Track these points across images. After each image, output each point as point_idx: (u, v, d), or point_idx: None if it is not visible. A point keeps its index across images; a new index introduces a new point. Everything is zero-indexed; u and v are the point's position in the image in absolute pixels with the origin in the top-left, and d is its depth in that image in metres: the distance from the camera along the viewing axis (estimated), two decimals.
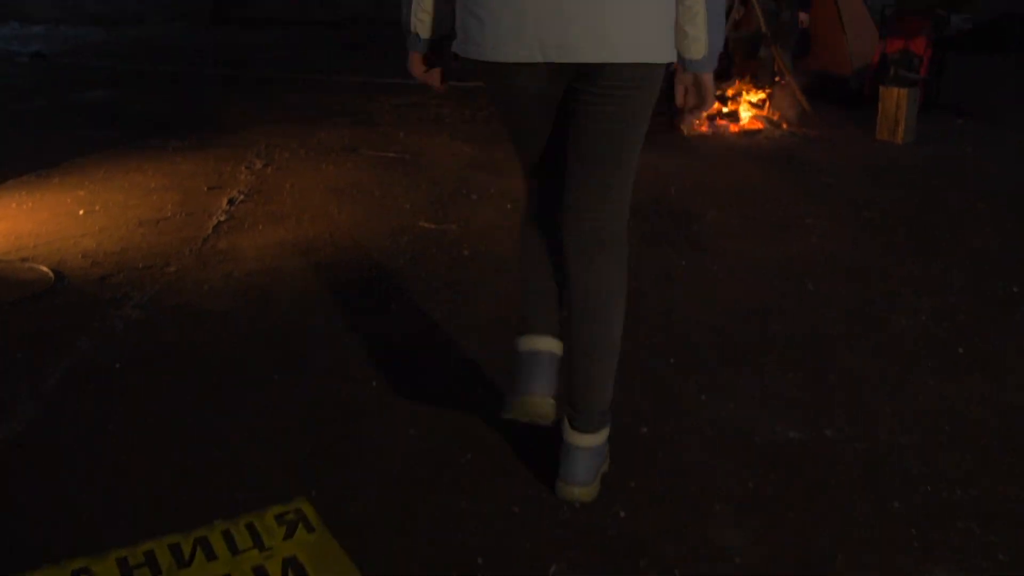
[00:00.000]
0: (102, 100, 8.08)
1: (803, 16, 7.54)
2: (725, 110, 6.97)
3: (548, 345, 2.30)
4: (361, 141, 6.28)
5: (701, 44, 2.01)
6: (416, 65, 2.32)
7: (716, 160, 6.01)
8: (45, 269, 3.80)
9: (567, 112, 2.12)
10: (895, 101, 6.46)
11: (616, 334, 2.21)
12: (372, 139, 6.37)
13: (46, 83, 8.90)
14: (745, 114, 6.95)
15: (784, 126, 6.84)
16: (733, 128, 6.87)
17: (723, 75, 7.08)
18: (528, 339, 2.30)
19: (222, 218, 4.58)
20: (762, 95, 7.04)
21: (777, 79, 7.09)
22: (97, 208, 4.71)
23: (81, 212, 4.62)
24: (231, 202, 4.84)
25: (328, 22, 14.22)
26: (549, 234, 2.28)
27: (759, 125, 6.88)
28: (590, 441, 2.25)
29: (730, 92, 7.03)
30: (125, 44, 12.09)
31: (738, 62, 7.07)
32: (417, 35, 2.26)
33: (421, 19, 2.23)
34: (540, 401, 2.23)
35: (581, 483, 2.25)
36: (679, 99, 2.14)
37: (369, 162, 5.72)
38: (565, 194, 2.17)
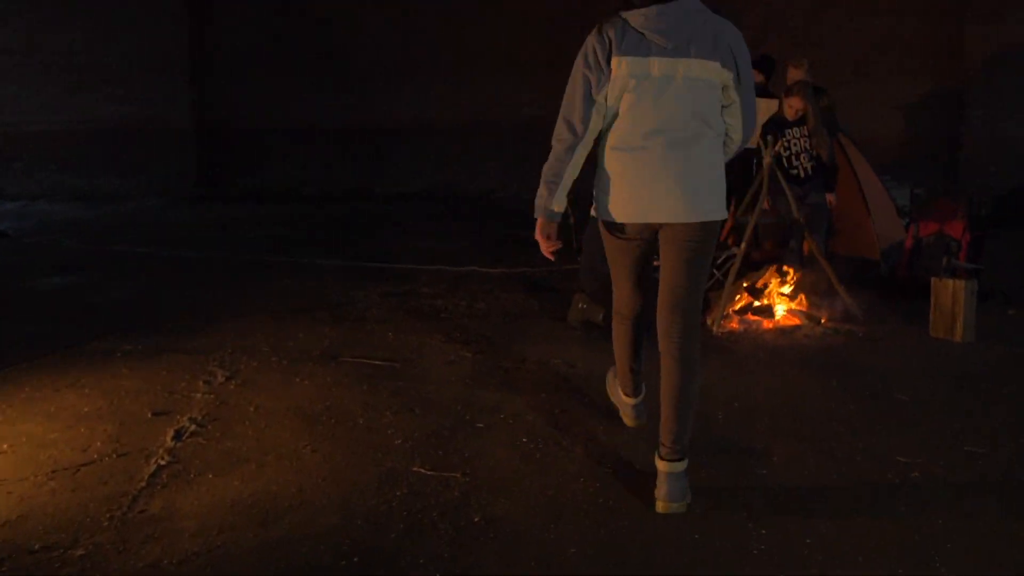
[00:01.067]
0: (58, 288, 7.18)
1: (831, 198, 6.84)
2: (757, 304, 6.12)
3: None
4: (343, 344, 5.35)
5: None
6: (552, 235, 3.26)
7: (758, 368, 5.09)
8: None
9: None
10: (951, 295, 5.64)
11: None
12: (356, 340, 5.44)
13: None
14: (779, 308, 6.10)
15: (824, 321, 5.98)
16: (767, 324, 6.01)
17: (752, 265, 6.29)
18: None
19: (163, 461, 3.57)
20: (792, 286, 6.23)
21: (805, 268, 6.31)
22: (5, 447, 3.69)
23: None
24: (178, 435, 3.84)
25: (318, 196, 13.63)
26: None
27: (795, 320, 6.03)
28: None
29: (759, 283, 6.22)
30: (101, 222, 11.36)
31: (768, 250, 6.30)
32: (556, 211, 3.23)
33: (562, 200, 3.22)
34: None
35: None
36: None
37: (352, 374, 4.76)
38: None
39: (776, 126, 6.71)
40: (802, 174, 6.77)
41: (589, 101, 3.11)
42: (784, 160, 6.75)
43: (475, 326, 5.90)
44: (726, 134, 3.30)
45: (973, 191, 7.09)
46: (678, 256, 3.18)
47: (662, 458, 3.20)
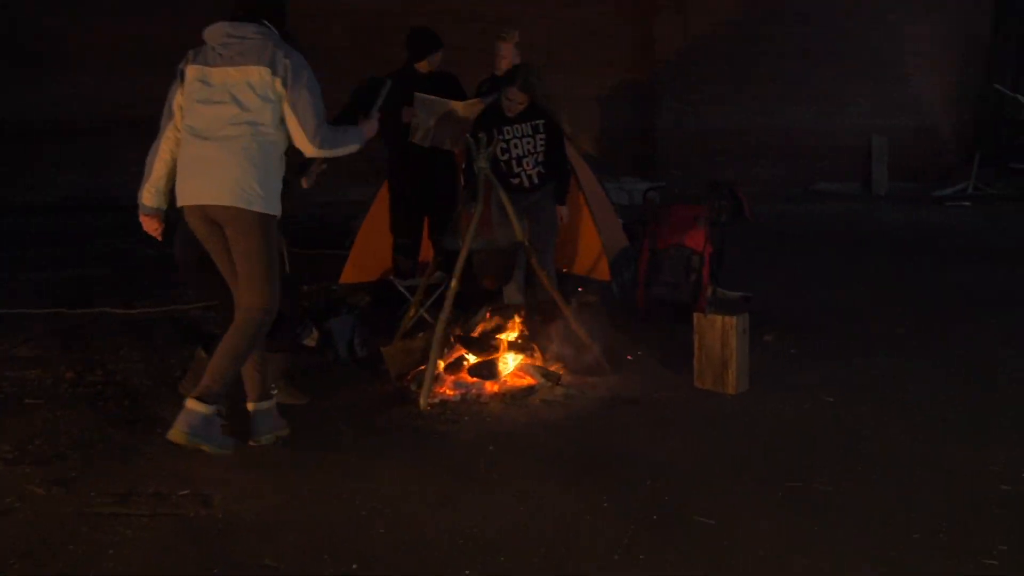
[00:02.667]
0: None
1: (562, 212, 5.34)
2: (472, 359, 4.46)
3: None
4: None
5: None
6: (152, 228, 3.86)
7: (488, 476, 3.43)
8: None
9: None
10: (720, 335, 4.30)
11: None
12: None
13: None
14: (506, 364, 4.48)
15: (563, 377, 4.44)
16: (490, 388, 4.36)
17: (464, 305, 4.63)
18: None
19: None
20: (519, 331, 4.64)
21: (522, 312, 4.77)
22: None
23: None
24: None
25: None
26: None
27: (527, 379, 4.43)
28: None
29: (477, 331, 4.57)
30: None
31: (487, 284, 4.66)
32: (146, 204, 3.79)
33: (155, 193, 3.78)
34: None
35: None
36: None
37: None
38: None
39: (491, 122, 5.11)
40: (527, 183, 5.22)
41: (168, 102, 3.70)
42: (502, 166, 5.17)
43: (71, 425, 3.77)
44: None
45: (715, 194, 5.86)
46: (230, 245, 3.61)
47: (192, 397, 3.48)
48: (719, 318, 4.30)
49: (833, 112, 14.10)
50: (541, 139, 5.17)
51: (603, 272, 6.23)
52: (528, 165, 5.18)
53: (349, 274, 6.38)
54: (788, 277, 7.05)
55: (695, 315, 4.40)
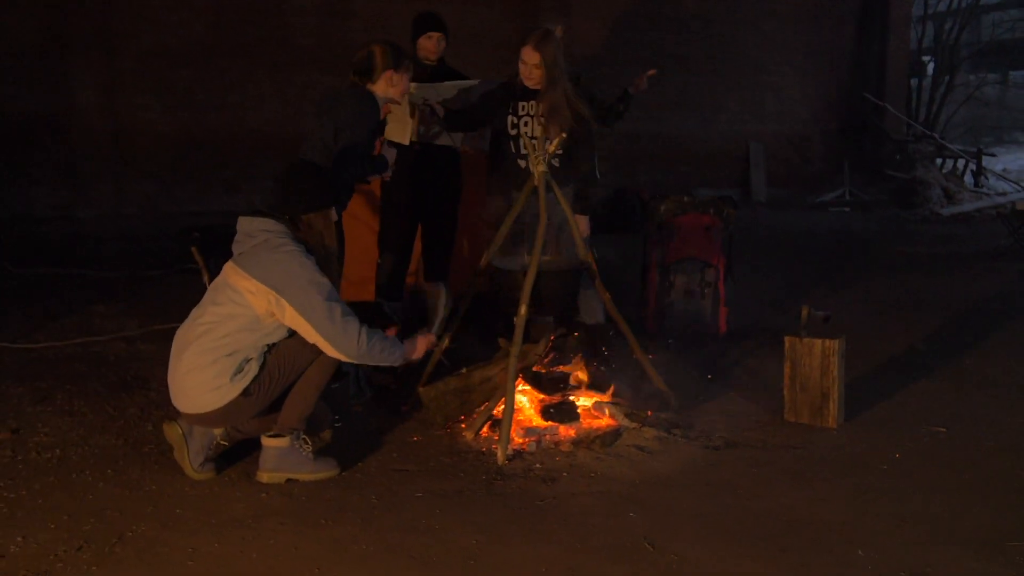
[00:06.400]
0: None
1: (583, 222, 4.57)
2: (548, 400, 3.70)
3: None
4: None
5: None
6: None
7: (650, 545, 2.70)
8: None
9: None
10: (819, 362, 3.75)
11: None
12: None
13: None
14: (583, 402, 3.75)
15: (647, 414, 3.75)
16: (565, 432, 3.62)
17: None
18: None
19: None
20: (586, 362, 3.91)
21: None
22: None
23: None
24: None
25: None
26: None
27: (606, 420, 3.72)
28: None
29: (544, 363, 3.80)
30: None
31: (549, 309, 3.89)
32: None
33: None
34: None
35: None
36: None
37: None
38: None
39: (508, 96, 4.32)
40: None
41: None
42: (510, 144, 4.32)
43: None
44: None
45: (722, 202, 5.33)
46: None
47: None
48: (818, 343, 3.75)
49: (711, 119, 14.11)
50: None
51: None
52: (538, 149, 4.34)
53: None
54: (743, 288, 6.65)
55: (787, 339, 3.83)
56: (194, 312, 3.26)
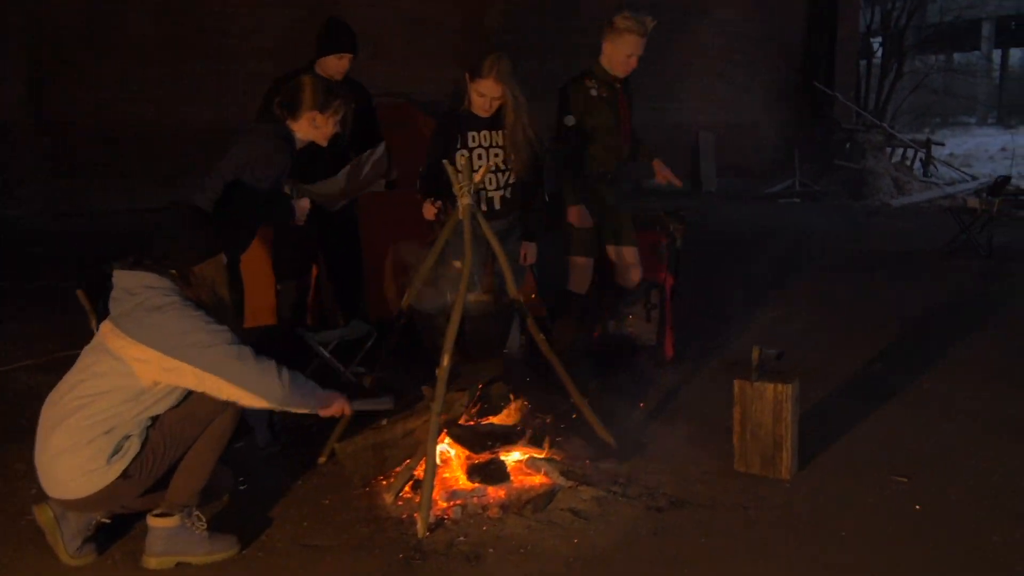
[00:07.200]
0: None
1: (529, 249, 4.20)
2: (475, 459, 3.32)
3: None
4: None
5: None
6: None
7: None
8: None
9: None
10: (772, 408, 3.43)
11: None
12: None
13: None
14: (516, 456, 3.38)
15: (585, 470, 3.40)
16: (495, 494, 3.25)
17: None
18: None
19: None
20: (517, 412, 3.54)
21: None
22: None
23: None
24: None
25: None
26: None
27: (541, 479, 3.35)
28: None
29: (467, 418, 3.41)
30: None
31: (473, 356, 3.49)
32: None
33: None
34: None
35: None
36: None
37: None
38: None
39: (456, 127, 3.99)
40: (485, 207, 4.07)
41: None
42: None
43: None
44: None
45: (670, 217, 4.98)
46: None
47: None
48: (770, 387, 3.42)
49: (661, 108, 13.80)
50: None
51: (536, 307, 5.22)
52: (492, 184, 4.05)
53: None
54: (693, 298, 6.33)
55: (736, 383, 3.49)
56: (69, 377, 2.81)
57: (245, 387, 2.71)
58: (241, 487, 3.33)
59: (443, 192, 3.79)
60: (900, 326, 5.67)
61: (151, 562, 2.83)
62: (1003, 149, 18.13)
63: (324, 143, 3.70)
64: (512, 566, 2.83)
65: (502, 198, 4.08)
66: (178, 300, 2.75)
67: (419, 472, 3.22)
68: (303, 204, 3.67)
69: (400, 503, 3.23)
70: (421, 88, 11.93)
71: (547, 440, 3.44)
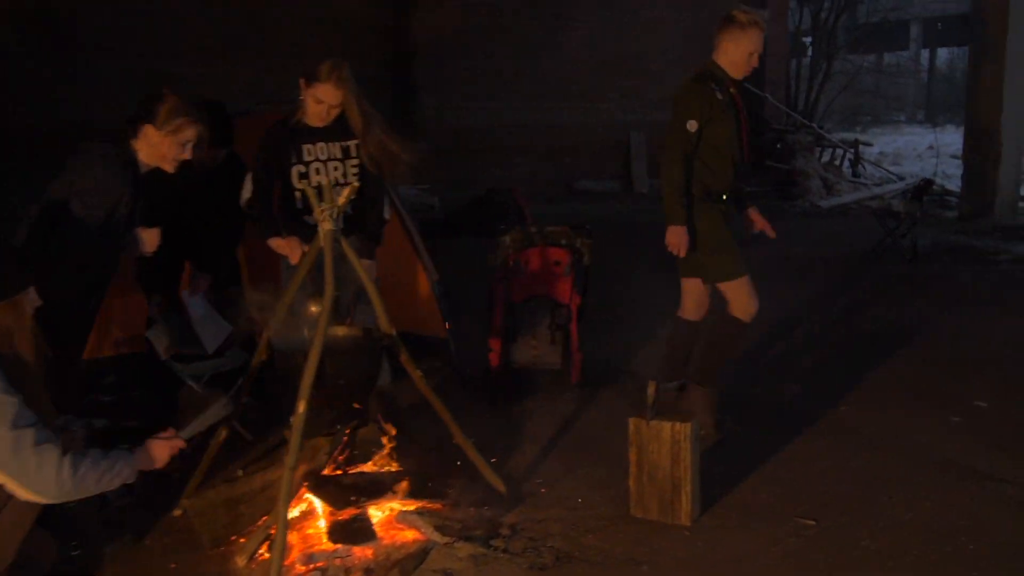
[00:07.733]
0: None
1: (370, 267, 3.76)
2: (325, 520, 2.95)
3: None
4: None
5: None
6: None
7: None
8: None
9: None
10: (670, 449, 3.12)
11: None
12: None
13: None
14: (377, 513, 3.02)
15: (462, 522, 3.05)
16: (361, 554, 2.87)
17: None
18: None
19: None
20: (386, 459, 3.19)
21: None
22: None
23: None
24: None
25: None
26: None
27: (414, 535, 2.98)
28: None
29: (332, 468, 3.05)
30: None
31: (341, 404, 3.12)
32: None
33: None
34: None
35: None
36: None
37: None
38: None
39: (288, 140, 3.61)
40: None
41: None
42: (296, 198, 3.65)
43: None
44: None
45: (576, 232, 4.66)
46: None
47: None
48: (667, 426, 3.11)
49: (591, 109, 13.57)
50: (353, 165, 3.68)
51: (439, 327, 4.89)
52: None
53: (93, 346, 4.47)
54: (610, 309, 6.00)
55: (631, 421, 3.17)
56: None
57: (14, 478, 2.30)
58: (73, 552, 2.92)
59: (288, 215, 3.44)
60: (819, 343, 5.45)
61: None
62: (930, 147, 18.28)
63: (170, 168, 3.25)
64: None
65: (345, 215, 3.65)
66: None
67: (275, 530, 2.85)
68: (151, 234, 3.25)
69: (254, 566, 2.86)
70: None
71: (425, 488, 3.09)
